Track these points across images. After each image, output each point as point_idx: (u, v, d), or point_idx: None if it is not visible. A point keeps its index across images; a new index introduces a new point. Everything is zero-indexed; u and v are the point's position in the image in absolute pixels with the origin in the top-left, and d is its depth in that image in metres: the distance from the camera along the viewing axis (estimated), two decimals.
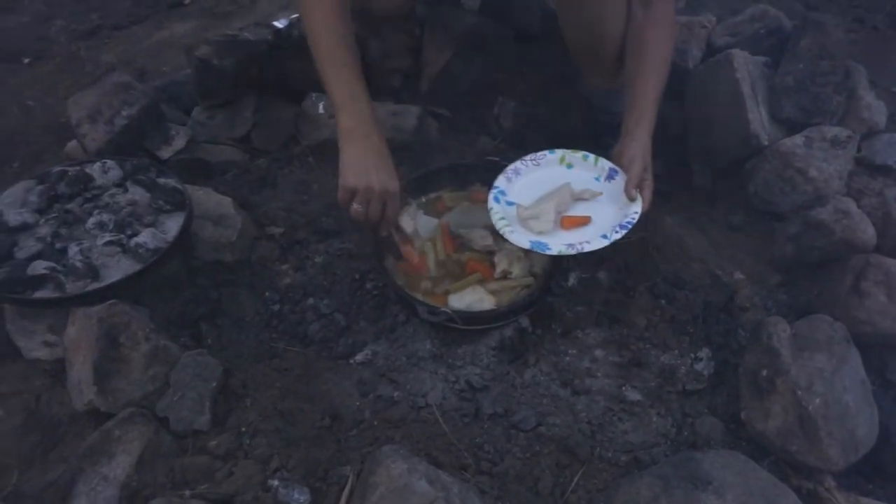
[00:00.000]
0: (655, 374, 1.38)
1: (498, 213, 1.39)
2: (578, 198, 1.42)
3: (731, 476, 1.09)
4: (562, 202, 1.40)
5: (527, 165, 1.48)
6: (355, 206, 1.30)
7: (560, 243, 1.32)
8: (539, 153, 1.49)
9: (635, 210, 1.34)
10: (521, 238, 1.34)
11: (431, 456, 1.22)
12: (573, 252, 1.31)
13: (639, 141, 1.38)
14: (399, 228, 1.46)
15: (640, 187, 1.36)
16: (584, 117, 1.78)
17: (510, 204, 1.42)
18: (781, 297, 1.50)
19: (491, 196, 1.42)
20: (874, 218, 1.45)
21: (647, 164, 1.37)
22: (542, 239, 1.34)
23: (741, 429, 1.28)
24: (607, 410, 1.30)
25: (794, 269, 1.52)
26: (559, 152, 1.49)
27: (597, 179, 1.45)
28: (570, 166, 1.48)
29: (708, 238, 1.63)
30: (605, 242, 1.31)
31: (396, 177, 1.33)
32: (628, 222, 1.32)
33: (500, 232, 1.36)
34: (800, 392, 1.20)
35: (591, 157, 1.47)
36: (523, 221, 1.39)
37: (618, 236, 1.31)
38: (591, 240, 1.32)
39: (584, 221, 1.38)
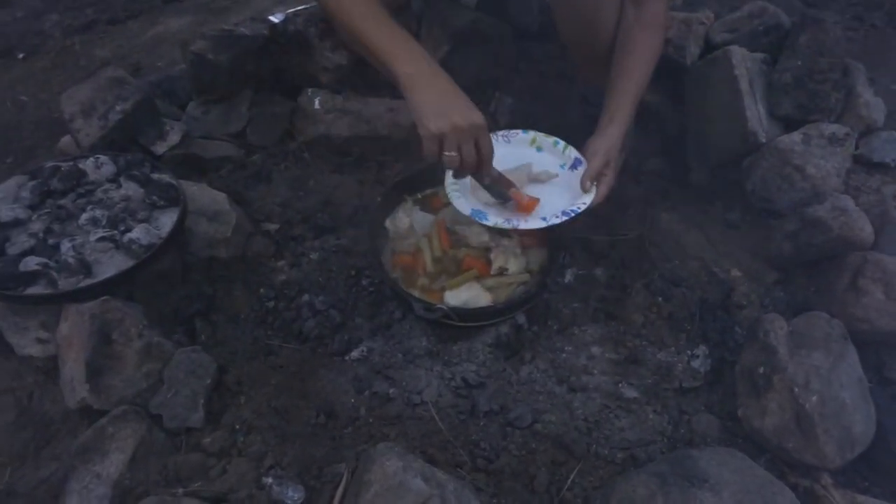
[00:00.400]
0: (652, 371, 1.37)
1: (451, 180, 1.40)
2: (535, 179, 1.44)
3: (728, 473, 1.08)
4: (517, 180, 1.40)
5: (497, 140, 1.46)
6: (448, 154, 1.18)
7: (498, 217, 1.33)
8: (512, 131, 1.51)
9: (583, 201, 1.35)
10: (463, 205, 1.36)
11: (427, 453, 1.21)
12: (508, 227, 1.33)
13: (607, 137, 1.38)
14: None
15: (597, 181, 1.36)
16: (580, 113, 1.78)
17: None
18: (779, 295, 1.49)
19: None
20: (872, 215, 1.44)
21: (610, 159, 1.37)
22: (484, 210, 1.35)
23: (738, 426, 1.27)
24: (603, 407, 1.30)
25: (791, 266, 1.51)
26: (532, 133, 1.51)
27: (561, 167, 1.46)
28: (539, 149, 1.50)
29: (705, 235, 1.62)
30: (542, 224, 1.32)
31: (478, 110, 1.20)
32: (572, 210, 1.33)
33: (449, 196, 1.37)
34: (797, 389, 1.19)
35: (562, 143, 1.48)
36: (473, 191, 1.40)
37: (556, 221, 1.32)
38: (528, 219, 1.33)
39: (534, 203, 1.38)
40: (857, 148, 1.57)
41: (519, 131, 1.51)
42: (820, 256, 1.45)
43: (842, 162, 1.52)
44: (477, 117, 1.18)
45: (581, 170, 1.41)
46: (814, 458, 1.17)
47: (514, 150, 1.48)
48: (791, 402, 1.19)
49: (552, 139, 1.49)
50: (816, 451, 1.16)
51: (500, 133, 1.49)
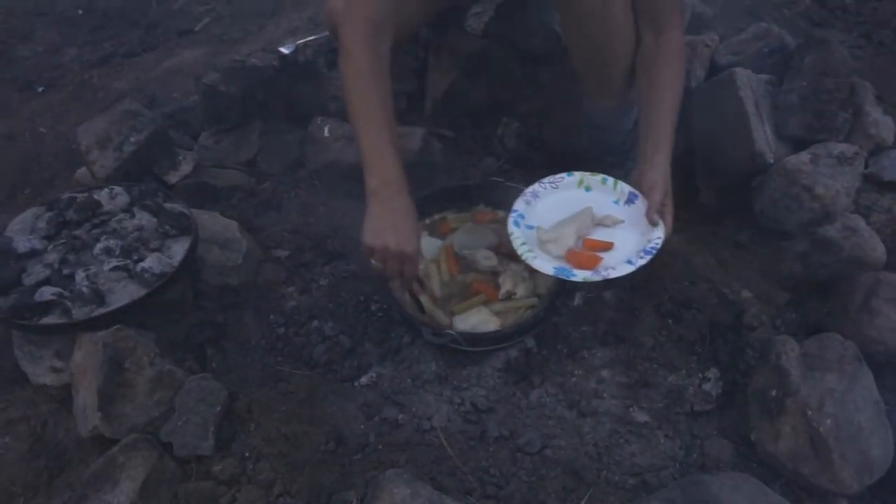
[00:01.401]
0: (663, 394, 1.36)
1: (519, 237, 1.35)
2: (599, 223, 1.40)
3: (741, 499, 1.07)
4: (582, 226, 1.38)
5: (545, 188, 1.46)
6: (374, 263, 1.33)
7: (586, 272, 1.30)
8: (557, 176, 1.47)
9: (658, 235, 1.32)
10: (544, 264, 1.31)
11: (436, 480, 1.20)
12: (598, 279, 1.28)
13: (658, 167, 1.37)
14: (420, 283, 1.46)
15: (661, 212, 1.35)
16: (588, 137, 1.79)
17: (530, 228, 1.39)
18: (790, 316, 1.48)
19: (510, 220, 1.39)
20: (884, 235, 1.43)
21: (667, 189, 1.37)
22: (567, 266, 1.31)
23: (751, 450, 1.25)
24: (614, 432, 1.29)
25: (802, 287, 1.50)
26: (577, 175, 1.47)
27: (616, 203, 1.43)
28: (588, 189, 1.46)
29: (715, 256, 1.61)
30: (631, 268, 1.28)
31: (416, 240, 1.32)
32: (652, 248, 1.31)
33: (523, 258, 1.32)
34: (810, 413, 1.18)
35: (611, 180, 1.45)
36: (542, 245, 1.36)
37: (643, 262, 1.29)
38: (615, 266, 1.30)
39: (607, 247, 1.35)
40: (866, 167, 1.56)
41: (563, 175, 1.47)
42: (831, 277, 1.44)
43: (851, 181, 1.51)
44: (409, 247, 1.31)
45: (638, 203, 1.39)
46: (830, 483, 1.15)
47: (564, 196, 1.45)
48: (805, 426, 1.18)
49: (599, 177, 1.46)
50: (833, 476, 1.14)
51: (546, 180, 1.46)
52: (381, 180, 1.30)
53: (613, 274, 1.28)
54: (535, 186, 1.46)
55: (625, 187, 1.43)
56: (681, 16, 1.50)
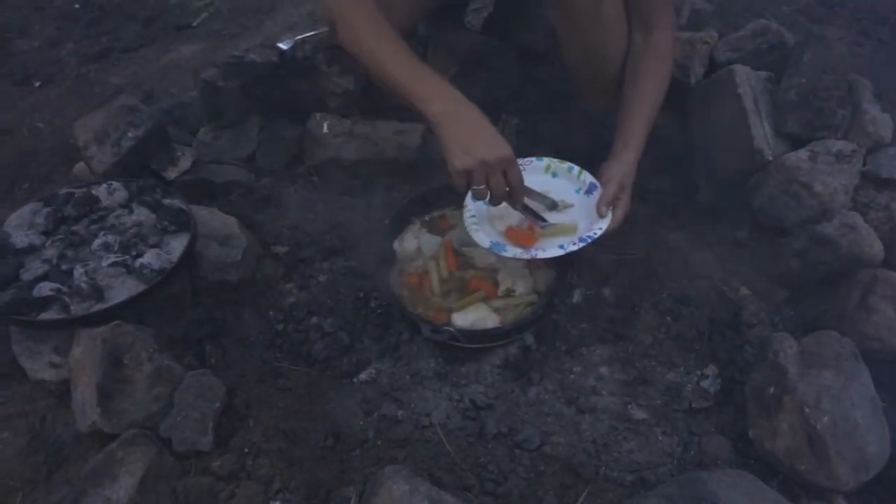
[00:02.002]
0: (661, 391, 1.36)
1: (470, 210, 1.42)
2: (551, 208, 1.43)
3: (739, 496, 1.07)
4: (533, 208, 1.41)
5: None
6: (475, 188, 1.24)
7: (516, 248, 1.34)
8: (527, 159, 1.51)
9: (600, 226, 1.35)
10: (482, 237, 1.36)
11: (434, 476, 1.21)
12: (527, 257, 1.34)
13: (622, 162, 1.39)
14: (528, 193, 1.37)
15: (613, 206, 1.37)
16: (586, 134, 1.79)
17: (486, 203, 1.42)
18: (788, 313, 1.48)
19: (469, 194, 1.41)
20: (881, 232, 1.44)
21: (625, 185, 1.38)
22: (503, 242, 1.36)
23: (749, 447, 1.26)
24: (612, 429, 1.29)
25: (800, 284, 1.51)
26: (546, 160, 1.52)
27: (577, 192, 1.47)
28: (554, 175, 1.50)
29: (713, 253, 1.62)
30: (560, 252, 1.32)
31: (507, 142, 1.24)
32: (588, 236, 1.33)
33: (467, 228, 1.38)
34: (807, 410, 1.18)
35: (576, 169, 1.49)
36: (490, 220, 1.41)
37: (574, 248, 1.32)
38: (546, 248, 1.33)
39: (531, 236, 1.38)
40: (864, 164, 1.56)
41: (533, 159, 1.51)
42: (829, 274, 1.44)
43: (849, 179, 1.51)
44: (504, 150, 1.21)
45: (596, 194, 1.41)
46: (827, 480, 1.15)
47: (530, 178, 1.44)
48: (802, 423, 1.18)
49: (567, 165, 1.50)
50: (829, 473, 1.15)
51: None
52: (443, 101, 1.23)
53: (541, 255, 1.32)
54: None
55: (587, 177, 1.47)
56: (673, 16, 1.51)
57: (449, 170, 1.22)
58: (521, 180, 1.28)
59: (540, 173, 1.50)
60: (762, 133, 1.57)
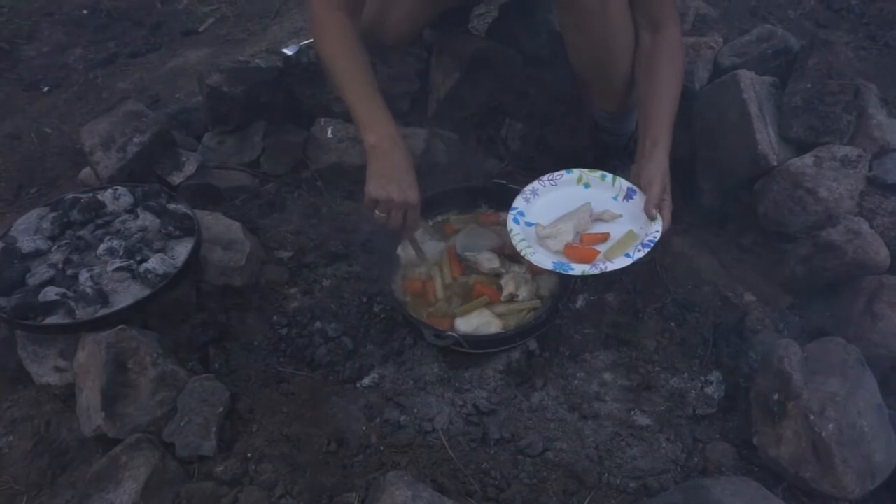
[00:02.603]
0: (665, 397, 1.36)
1: (518, 234, 1.38)
2: (598, 218, 1.42)
3: None
4: (581, 222, 1.40)
5: (544, 185, 1.48)
6: (378, 214, 1.37)
7: (584, 265, 1.31)
8: (556, 173, 1.49)
9: (656, 229, 1.33)
10: (543, 259, 1.33)
11: (437, 482, 1.21)
12: (596, 272, 1.30)
13: (657, 162, 1.38)
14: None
15: (659, 207, 1.36)
16: (591, 139, 1.79)
17: (529, 224, 1.41)
18: (793, 319, 1.47)
19: (510, 217, 1.42)
20: (887, 238, 1.43)
21: (665, 184, 1.37)
22: (565, 261, 1.33)
23: (753, 455, 1.25)
24: (615, 435, 1.29)
25: (805, 290, 1.50)
26: (576, 172, 1.49)
27: (615, 199, 1.44)
28: (587, 186, 1.48)
29: (718, 259, 1.61)
30: (629, 261, 1.30)
31: (417, 189, 1.37)
32: (650, 241, 1.31)
33: (522, 253, 1.34)
34: (812, 417, 1.17)
35: (609, 176, 1.47)
36: (541, 241, 1.38)
37: (640, 255, 1.30)
38: (613, 259, 1.31)
39: (604, 238, 1.37)
40: (870, 169, 1.55)
41: (563, 172, 1.49)
42: (834, 280, 1.43)
43: (855, 184, 1.50)
44: (411, 196, 1.36)
45: (637, 198, 1.40)
46: (832, 488, 1.14)
47: (563, 192, 1.47)
48: (807, 430, 1.17)
49: (598, 173, 1.48)
50: (835, 481, 1.14)
51: (545, 178, 1.48)
52: (378, 136, 1.36)
53: (611, 267, 1.29)
54: (535, 184, 1.48)
55: (623, 183, 1.44)
56: (677, 15, 1.50)
57: (365, 191, 1.37)
58: (415, 226, 1.44)
59: (572, 185, 1.48)
60: (767, 138, 1.57)
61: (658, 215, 1.34)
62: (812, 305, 1.48)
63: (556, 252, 1.36)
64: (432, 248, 1.53)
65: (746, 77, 1.60)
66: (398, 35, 1.76)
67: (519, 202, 1.44)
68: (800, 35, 1.85)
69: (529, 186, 1.47)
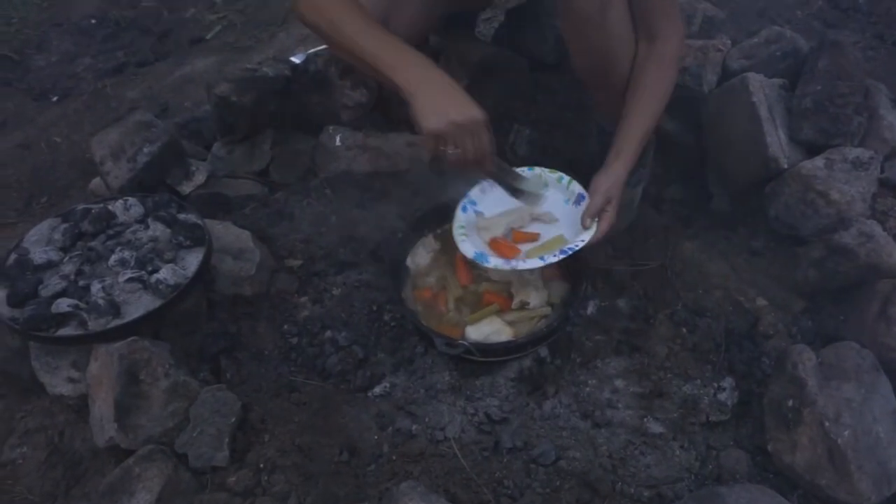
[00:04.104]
0: (678, 404, 1.35)
1: (460, 220, 1.44)
2: (537, 218, 1.46)
3: None
4: (517, 218, 1.45)
5: None
6: (450, 152, 1.21)
7: (498, 259, 1.36)
8: (519, 169, 1.50)
9: (582, 238, 1.35)
10: (468, 247, 1.38)
11: (450, 492, 1.20)
12: (507, 268, 1.36)
13: (611, 174, 1.38)
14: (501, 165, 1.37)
15: (599, 218, 1.36)
16: (599, 144, 1.78)
17: (477, 213, 1.47)
18: (806, 324, 1.46)
19: (460, 204, 1.47)
20: None
21: (612, 197, 1.36)
22: (487, 253, 1.38)
23: (768, 461, 1.25)
24: (628, 443, 1.28)
25: (818, 294, 1.49)
26: (538, 170, 1.51)
27: (566, 202, 1.47)
28: (545, 185, 1.50)
29: (729, 263, 1.60)
30: (540, 264, 1.33)
31: (477, 105, 1.23)
32: (569, 248, 1.34)
33: (455, 238, 1.40)
34: (827, 423, 1.17)
35: (566, 179, 1.49)
36: (478, 230, 1.43)
37: (554, 259, 1.33)
38: (527, 259, 1.35)
39: (533, 238, 1.42)
40: (882, 171, 1.54)
41: (525, 168, 1.50)
42: (847, 284, 1.42)
43: (867, 186, 1.49)
44: (475, 112, 1.21)
45: (584, 206, 1.40)
46: (848, 495, 1.14)
47: None
48: (822, 437, 1.17)
49: (557, 174, 1.50)
50: (851, 488, 1.13)
51: None
52: (413, 70, 1.23)
53: (521, 266, 1.34)
54: None
55: (576, 188, 1.46)
56: (680, 25, 1.49)
57: (421, 134, 1.21)
58: (492, 144, 1.26)
59: None
60: (777, 141, 1.56)
61: (592, 225, 1.35)
62: (825, 309, 1.47)
63: (486, 243, 1.41)
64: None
65: (755, 80, 1.59)
66: (403, 40, 1.76)
67: (474, 191, 1.50)
68: (808, 36, 1.83)
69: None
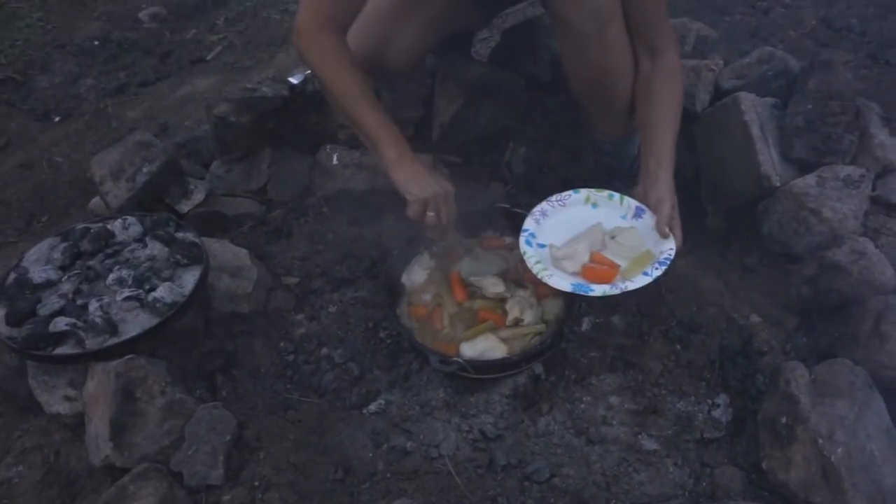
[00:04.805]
0: (672, 421, 1.35)
1: (532, 256, 1.39)
2: (610, 235, 1.43)
3: None
4: (594, 241, 1.42)
5: (553, 206, 1.50)
6: (430, 214, 1.39)
7: (604, 286, 1.32)
8: (564, 193, 1.51)
9: (670, 247, 1.35)
10: (561, 281, 1.34)
11: None
12: (616, 291, 1.31)
13: (664, 181, 1.41)
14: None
15: (670, 225, 1.38)
16: (594, 162, 1.80)
17: (542, 246, 1.43)
18: (800, 341, 1.47)
19: (522, 239, 1.43)
20: (893, 258, 1.42)
21: (674, 202, 1.40)
22: (584, 282, 1.34)
23: (762, 479, 1.24)
24: (622, 460, 1.28)
25: (812, 311, 1.49)
26: (584, 192, 1.51)
27: (623, 218, 1.46)
28: (595, 205, 1.50)
29: (723, 280, 1.61)
30: (648, 279, 1.31)
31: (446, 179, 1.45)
32: (665, 259, 1.33)
33: (539, 276, 1.35)
34: (821, 441, 1.16)
35: (616, 195, 1.49)
36: (556, 262, 1.39)
37: (658, 272, 1.32)
38: (633, 278, 1.32)
39: (613, 268, 1.38)
40: (874, 189, 1.56)
41: (570, 192, 1.51)
42: (841, 301, 1.43)
43: (859, 204, 1.51)
44: (447, 185, 1.43)
45: (646, 217, 1.42)
46: None
47: (572, 213, 1.49)
48: (816, 455, 1.17)
49: (605, 193, 1.50)
50: None
51: (553, 198, 1.50)
52: (398, 149, 1.41)
53: (631, 286, 1.31)
54: (543, 205, 1.49)
55: (631, 202, 1.46)
56: (676, 38, 1.53)
57: (408, 199, 1.39)
58: (454, 215, 1.45)
59: (580, 205, 1.50)
60: (769, 159, 1.57)
61: (670, 233, 1.36)
62: (819, 326, 1.48)
63: (573, 273, 1.37)
64: (468, 268, 1.54)
65: (747, 99, 1.61)
66: (401, 62, 1.78)
67: (529, 224, 1.46)
68: (801, 55, 1.86)
69: (538, 207, 1.49)
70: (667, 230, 1.36)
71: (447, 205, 1.41)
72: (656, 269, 1.32)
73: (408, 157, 1.42)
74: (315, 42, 1.41)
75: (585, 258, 1.38)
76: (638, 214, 1.44)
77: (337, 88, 1.43)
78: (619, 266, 1.38)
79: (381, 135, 1.41)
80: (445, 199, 1.41)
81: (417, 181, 1.39)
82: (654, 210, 1.40)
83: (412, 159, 1.42)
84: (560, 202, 1.50)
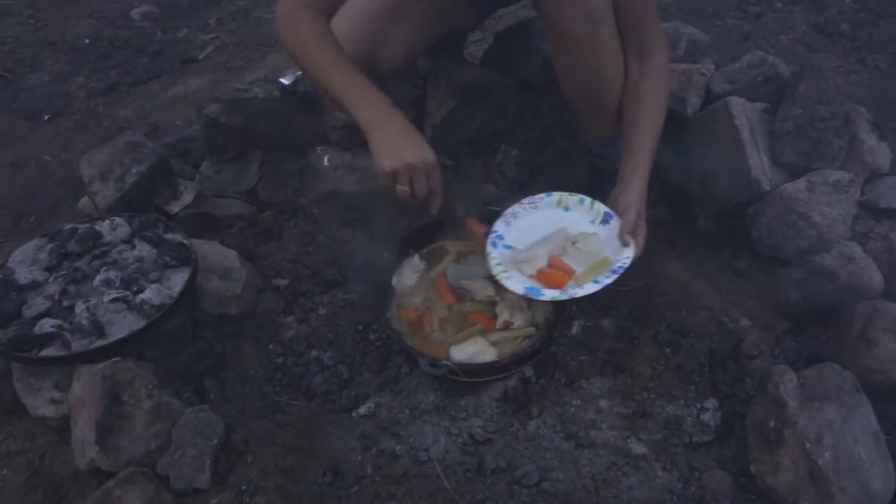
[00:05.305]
0: (661, 425, 1.35)
1: (495, 258, 1.42)
2: (573, 241, 1.44)
3: None
4: (555, 246, 1.43)
5: (525, 209, 1.51)
6: (400, 188, 1.28)
7: (554, 291, 1.34)
8: (537, 196, 1.52)
9: (627, 255, 1.36)
10: (515, 284, 1.36)
11: None
12: (565, 297, 1.34)
13: (634, 188, 1.41)
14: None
15: (633, 233, 1.38)
16: (586, 165, 1.80)
17: (508, 248, 1.45)
18: (790, 345, 1.47)
19: (489, 240, 1.45)
20: (881, 262, 1.43)
21: (641, 210, 1.40)
22: (536, 286, 1.36)
23: (751, 483, 1.24)
24: (612, 464, 1.28)
25: (801, 315, 1.50)
26: (556, 195, 1.52)
27: (591, 223, 1.47)
28: (566, 209, 1.51)
29: (713, 284, 1.61)
30: (597, 287, 1.33)
31: (430, 148, 1.29)
32: (619, 267, 1.34)
33: (497, 277, 1.38)
34: (809, 445, 1.17)
35: (588, 200, 1.50)
36: (517, 265, 1.41)
37: (608, 281, 1.33)
38: (582, 285, 1.34)
39: (568, 273, 1.39)
40: (863, 194, 1.56)
41: (543, 195, 1.52)
42: (829, 305, 1.43)
43: (848, 209, 1.51)
44: (428, 155, 1.28)
45: (613, 224, 1.42)
46: None
47: (543, 216, 1.50)
48: (804, 458, 1.17)
49: (577, 197, 1.50)
50: None
51: (526, 200, 1.51)
52: (372, 108, 1.29)
53: (580, 293, 1.32)
54: (515, 207, 1.51)
55: (601, 207, 1.47)
56: (666, 41, 1.53)
57: (377, 170, 1.28)
58: (441, 186, 1.32)
59: (552, 208, 1.51)
60: (759, 164, 1.58)
61: (631, 242, 1.37)
62: (809, 330, 1.48)
63: (530, 276, 1.39)
64: (455, 273, 1.53)
65: (738, 103, 1.62)
66: (393, 63, 1.78)
67: (499, 225, 1.48)
68: (792, 60, 1.87)
69: (510, 209, 1.50)
70: (627, 238, 1.37)
71: (428, 176, 1.28)
72: (608, 277, 1.33)
73: (382, 117, 1.28)
74: (292, 22, 1.35)
75: (544, 262, 1.40)
76: (606, 220, 1.45)
77: (309, 59, 1.34)
78: (574, 272, 1.39)
79: (353, 96, 1.29)
80: (421, 171, 1.27)
81: (389, 147, 1.26)
82: (621, 216, 1.40)
83: (389, 118, 1.29)
84: (532, 205, 1.51)
